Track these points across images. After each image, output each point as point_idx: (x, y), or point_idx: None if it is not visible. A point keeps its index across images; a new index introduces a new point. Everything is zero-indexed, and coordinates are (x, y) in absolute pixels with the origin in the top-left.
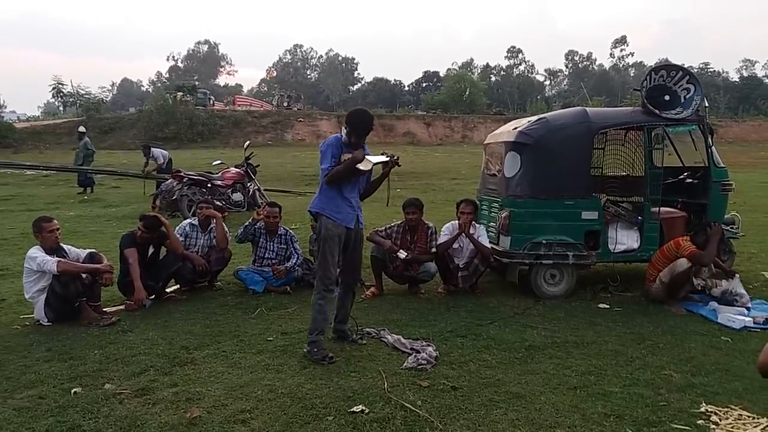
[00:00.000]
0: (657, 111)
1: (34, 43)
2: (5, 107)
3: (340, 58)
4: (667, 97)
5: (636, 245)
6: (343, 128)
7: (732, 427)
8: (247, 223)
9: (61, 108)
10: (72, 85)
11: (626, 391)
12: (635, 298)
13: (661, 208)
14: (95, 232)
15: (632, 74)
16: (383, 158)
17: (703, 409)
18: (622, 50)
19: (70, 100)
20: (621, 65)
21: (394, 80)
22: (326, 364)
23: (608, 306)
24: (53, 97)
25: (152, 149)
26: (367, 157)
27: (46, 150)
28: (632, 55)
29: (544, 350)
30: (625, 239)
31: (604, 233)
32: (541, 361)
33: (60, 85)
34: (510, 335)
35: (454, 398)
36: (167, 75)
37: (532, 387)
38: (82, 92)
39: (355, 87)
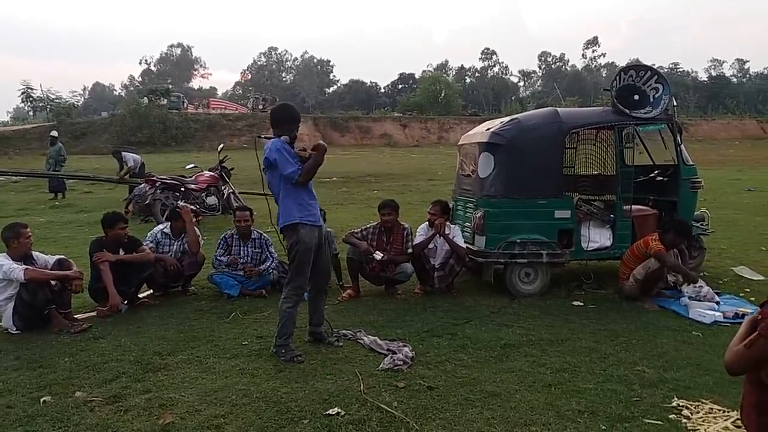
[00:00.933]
0: (627, 110)
1: (3, 47)
2: None
3: (315, 60)
4: (636, 97)
5: (608, 243)
6: (272, 132)
7: (703, 421)
8: (227, 241)
9: (30, 113)
10: (42, 90)
11: (600, 388)
12: (609, 295)
13: (633, 206)
14: (67, 237)
15: (604, 74)
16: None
17: (674, 404)
18: (593, 51)
19: (40, 104)
20: (593, 66)
21: (370, 82)
22: (295, 364)
23: (582, 303)
24: (23, 102)
25: (123, 153)
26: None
27: (15, 155)
28: (604, 56)
29: (520, 348)
30: (597, 237)
31: (577, 232)
32: (517, 359)
33: (29, 90)
34: (486, 334)
35: (430, 398)
36: (140, 79)
37: (507, 385)
38: (53, 97)
39: (331, 89)
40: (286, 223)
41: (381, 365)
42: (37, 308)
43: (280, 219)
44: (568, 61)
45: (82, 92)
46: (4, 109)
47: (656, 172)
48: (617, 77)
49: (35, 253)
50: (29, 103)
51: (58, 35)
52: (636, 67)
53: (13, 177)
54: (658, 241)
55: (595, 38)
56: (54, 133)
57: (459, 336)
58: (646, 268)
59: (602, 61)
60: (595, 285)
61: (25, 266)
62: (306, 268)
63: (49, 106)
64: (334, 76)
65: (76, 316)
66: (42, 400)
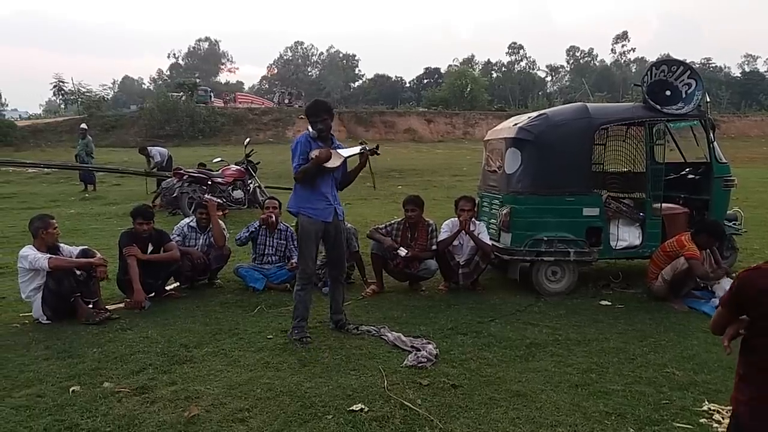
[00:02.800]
0: (658, 106)
1: (35, 41)
2: (7, 105)
3: (341, 55)
4: (668, 93)
5: (638, 242)
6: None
7: None
8: (252, 228)
9: (62, 106)
10: (73, 83)
11: (628, 389)
12: (637, 295)
13: (663, 205)
14: (96, 229)
15: (634, 70)
16: (356, 150)
17: (705, 408)
18: (623, 46)
19: (71, 98)
20: (622, 61)
21: (395, 77)
22: (302, 345)
23: (610, 303)
24: (54, 95)
25: (149, 149)
26: (338, 151)
27: (47, 148)
28: (633, 51)
29: (546, 348)
30: (626, 236)
31: (605, 230)
32: (543, 359)
33: (61, 83)
34: (511, 333)
35: (454, 396)
36: (168, 72)
37: (533, 385)
38: (83, 90)
39: (356, 84)
40: (289, 209)
41: (405, 362)
42: (63, 297)
43: (289, 201)
44: (597, 56)
45: (111, 86)
46: (37, 102)
47: (688, 169)
48: (648, 72)
49: (61, 245)
50: (61, 97)
51: (89, 30)
52: (668, 62)
53: (45, 169)
54: (693, 244)
55: (625, 33)
56: (83, 126)
57: (484, 334)
58: (674, 268)
59: (632, 56)
60: (624, 284)
61: (49, 255)
62: (307, 253)
63: (79, 100)
64: (359, 70)
65: (106, 307)
66: (71, 389)
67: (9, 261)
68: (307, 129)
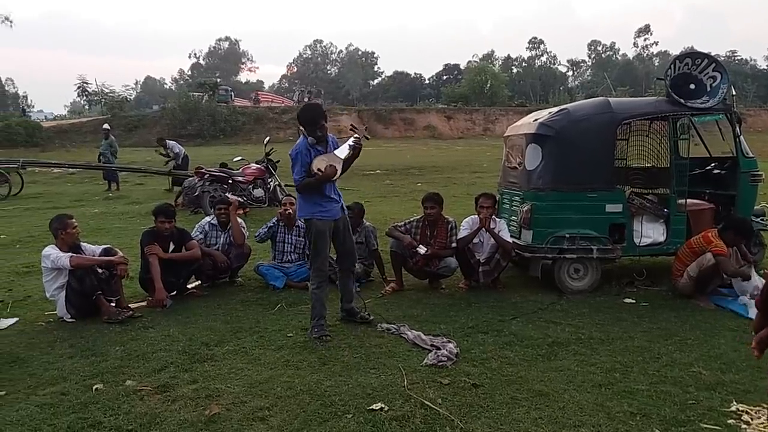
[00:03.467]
0: (682, 100)
1: (61, 43)
2: (33, 107)
3: (360, 53)
4: (692, 86)
5: (662, 238)
6: (300, 130)
7: (764, 427)
8: (271, 223)
9: (86, 107)
10: (96, 84)
11: (653, 389)
12: (662, 292)
13: (688, 200)
14: (119, 228)
15: (657, 64)
16: (348, 146)
17: (733, 408)
18: (645, 39)
19: (95, 98)
20: (645, 55)
21: (415, 74)
22: (322, 343)
23: (634, 301)
24: (78, 96)
25: (168, 141)
26: (336, 155)
27: (72, 148)
28: (656, 44)
29: (568, 347)
30: (650, 232)
31: (629, 226)
32: (565, 358)
33: (85, 84)
34: (533, 331)
35: (475, 396)
36: (189, 72)
37: (555, 384)
38: (107, 91)
39: (375, 81)
40: (302, 216)
41: (425, 361)
42: (86, 295)
43: (298, 209)
44: (619, 50)
45: (134, 86)
46: (62, 104)
47: (713, 164)
48: (672, 65)
49: (83, 244)
50: (85, 97)
51: (112, 31)
52: (692, 54)
53: (70, 169)
54: (720, 240)
55: (648, 26)
56: (106, 126)
57: (505, 333)
58: (700, 264)
59: (654, 49)
60: (648, 282)
61: (71, 254)
62: (322, 253)
63: (103, 100)
64: (378, 68)
65: (129, 305)
66: (94, 387)
67: (35, 260)
68: (303, 135)
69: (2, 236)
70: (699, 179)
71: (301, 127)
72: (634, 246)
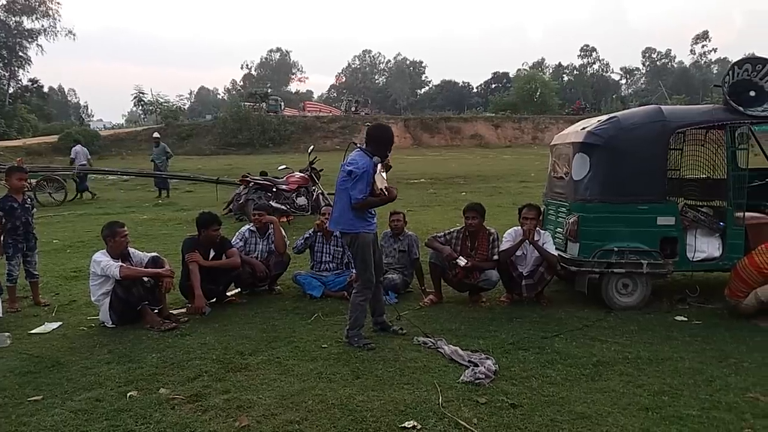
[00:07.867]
0: (741, 108)
1: (119, 55)
2: (93, 116)
3: (407, 62)
4: (752, 93)
5: (717, 253)
6: (364, 144)
7: None
8: (307, 234)
9: (142, 116)
10: (152, 94)
11: (705, 415)
12: (716, 310)
13: (747, 213)
14: (165, 235)
15: (715, 71)
16: (383, 170)
17: None
18: (703, 46)
19: (150, 108)
20: (702, 62)
21: (462, 82)
22: (368, 350)
23: (686, 319)
24: (135, 105)
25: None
26: (382, 175)
27: (127, 156)
28: (715, 51)
29: (614, 366)
30: (705, 247)
31: (681, 240)
32: (610, 379)
33: (141, 94)
34: (577, 349)
35: (513, 417)
36: (241, 83)
37: (599, 407)
38: (162, 100)
39: (423, 90)
40: (347, 231)
41: (461, 377)
42: (130, 304)
43: (339, 222)
44: (675, 57)
45: (188, 96)
46: (120, 113)
47: None
48: (730, 72)
49: (132, 250)
50: (141, 107)
51: (168, 43)
52: (752, 60)
53: (123, 176)
54: None
55: (705, 32)
56: (156, 134)
57: (547, 350)
58: None
59: (713, 56)
60: (702, 299)
61: (121, 264)
62: (370, 262)
63: (158, 110)
64: (426, 77)
65: (172, 312)
66: (129, 394)
67: (83, 265)
68: (366, 153)
69: (55, 241)
70: (759, 191)
71: (365, 145)
72: (687, 261)
